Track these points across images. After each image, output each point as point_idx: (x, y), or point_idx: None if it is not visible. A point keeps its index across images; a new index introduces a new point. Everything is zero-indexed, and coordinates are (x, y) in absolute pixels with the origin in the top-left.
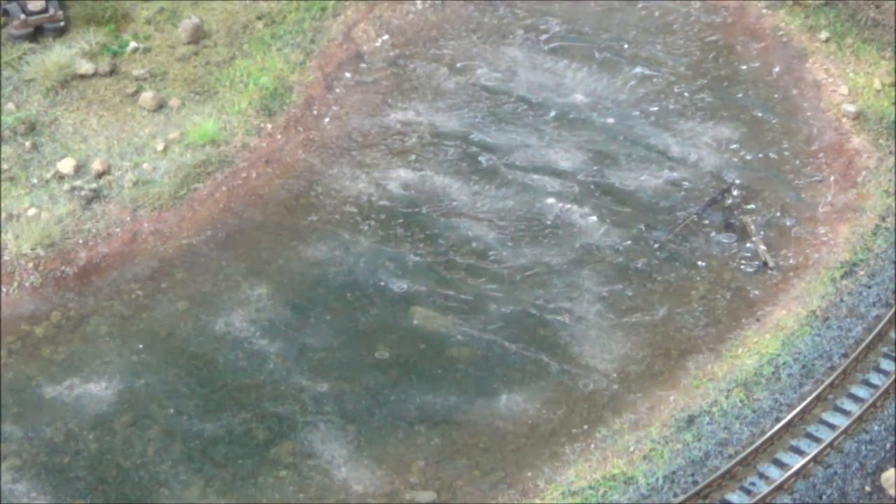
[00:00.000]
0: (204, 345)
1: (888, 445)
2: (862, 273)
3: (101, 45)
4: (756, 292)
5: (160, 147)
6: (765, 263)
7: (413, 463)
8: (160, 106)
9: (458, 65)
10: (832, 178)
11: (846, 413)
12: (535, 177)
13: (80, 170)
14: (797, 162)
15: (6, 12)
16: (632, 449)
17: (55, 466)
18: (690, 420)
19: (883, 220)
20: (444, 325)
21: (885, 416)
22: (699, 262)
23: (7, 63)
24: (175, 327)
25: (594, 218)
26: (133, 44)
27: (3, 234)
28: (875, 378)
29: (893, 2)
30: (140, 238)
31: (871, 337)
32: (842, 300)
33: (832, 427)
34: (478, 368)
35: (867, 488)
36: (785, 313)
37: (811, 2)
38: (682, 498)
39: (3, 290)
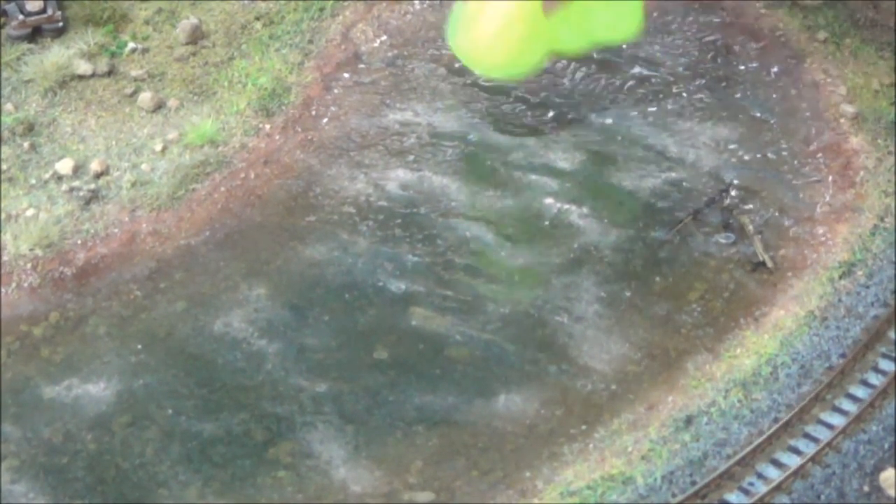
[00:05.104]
0: (202, 345)
1: (886, 445)
2: (860, 273)
3: (99, 46)
4: (754, 292)
5: (159, 148)
6: (763, 263)
7: (412, 463)
8: (158, 106)
9: (457, 65)
10: (830, 178)
11: (844, 413)
12: (534, 177)
13: (78, 170)
14: (795, 162)
15: (5, 13)
16: (630, 449)
17: (54, 467)
18: (689, 420)
19: (881, 220)
20: (442, 326)
21: (883, 416)
22: (697, 263)
23: (6, 64)
24: (174, 328)
25: (592, 218)
26: (131, 44)
27: (2, 235)
28: (873, 378)
29: (893, 2)
30: (138, 238)
31: (869, 337)
32: (840, 300)
33: (830, 427)
34: (476, 369)
35: (865, 488)
36: (783, 313)
37: (810, 2)
38: (680, 498)
39: (2, 290)
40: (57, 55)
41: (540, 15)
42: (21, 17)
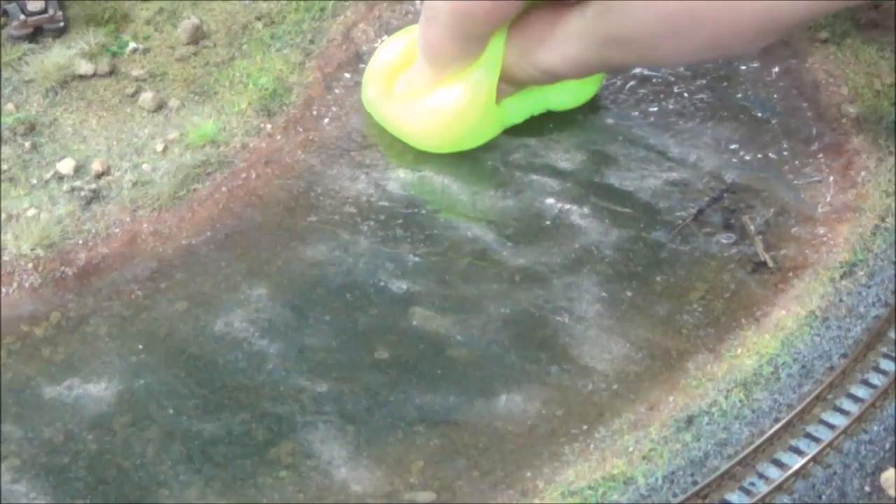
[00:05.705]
0: (203, 345)
1: (887, 445)
2: (861, 273)
3: (100, 46)
4: (755, 292)
5: (160, 147)
6: (764, 263)
7: (412, 463)
8: (160, 106)
9: None
10: (831, 178)
11: (845, 413)
12: (535, 177)
13: (79, 170)
14: (796, 162)
15: (6, 13)
16: (631, 449)
17: (55, 467)
18: (690, 420)
19: (882, 220)
20: (443, 326)
21: (884, 416)
22: (698, 263)
23: (7, 63)
24: (174, 328)
25: (593, 218)
26: (132, 44)
27: (2, 235)
28: (874, 378)
29: (893, 3)
30: (139, 239)
31: (870, 337)
32: (841, 300)
33: (832, 427)
34: (477, 369)
35: (866, 488)
36: (784, 313)
37: None
38: (681, 498)
39: (3, 290)
40: (58, 55)
41: (492, 100)
42: (22, 17)
